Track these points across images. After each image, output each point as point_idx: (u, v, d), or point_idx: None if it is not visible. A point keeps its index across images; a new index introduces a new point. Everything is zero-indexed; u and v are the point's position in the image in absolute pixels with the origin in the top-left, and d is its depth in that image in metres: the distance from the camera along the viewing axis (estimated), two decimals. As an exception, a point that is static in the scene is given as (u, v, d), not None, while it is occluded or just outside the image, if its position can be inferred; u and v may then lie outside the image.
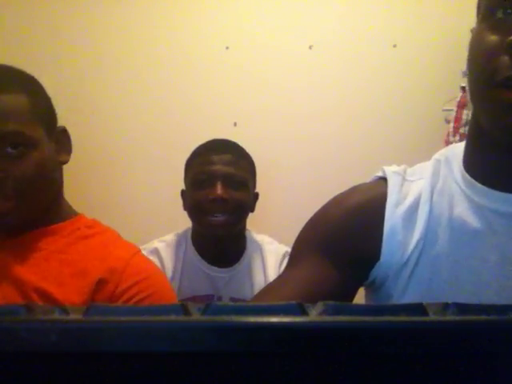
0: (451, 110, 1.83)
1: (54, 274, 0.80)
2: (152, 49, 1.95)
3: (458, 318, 0.23)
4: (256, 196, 1.43)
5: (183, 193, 1.41)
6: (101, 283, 0.80)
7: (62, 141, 0.87)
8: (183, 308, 0.23)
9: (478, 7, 0.59)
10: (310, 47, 1.93)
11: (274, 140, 1.90)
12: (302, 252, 0.66)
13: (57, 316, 0.23)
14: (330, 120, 1.93)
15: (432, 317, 0.23)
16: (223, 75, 1.94)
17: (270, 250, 1.38)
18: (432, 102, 1.87)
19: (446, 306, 0.23)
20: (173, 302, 0.24)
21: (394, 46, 1.91)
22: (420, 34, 1.90)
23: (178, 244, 1.40)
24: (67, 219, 0.88)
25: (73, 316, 0.23)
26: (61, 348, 0.22)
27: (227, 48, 1.94)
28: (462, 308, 0.23)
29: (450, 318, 0.23)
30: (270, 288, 0.67)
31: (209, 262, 1.37)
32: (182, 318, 0.23)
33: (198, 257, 1.38)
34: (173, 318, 0.22)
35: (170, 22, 1.96)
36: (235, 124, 1.92)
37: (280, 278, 0.66)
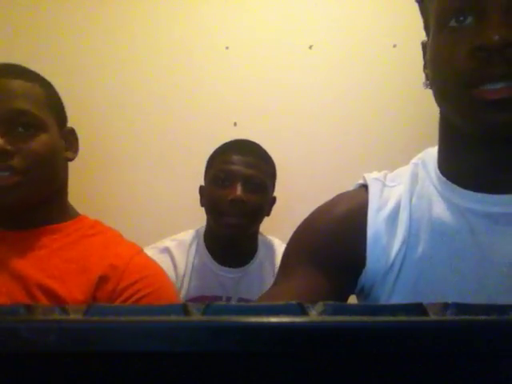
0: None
1: (56, 271, 0.81)
2: (152, 49, 1.95)
3: (457, 317, 0.23)
4: (273, 200, 1.43)
5: (201, 189, 1.41)
6: (102, 280, 0.81)
7: (70, 140, 0.91)
8: (183, 308, 0.23)
9: (426, 21, 0.64)
10: (310, 47, 1.93)
11: (274, 140, 1.89)
12: (292, 263, 0.66)
13: (57, 316, 0.23)
14: (330, 120, 1.93)
15: (432, 317, 0.23)
16: (223, 75, 1.94)
17: (281, 252, 1.37)
18: (432, 102, 1.87)
19: (445, 306, 0.23)
20: (173, 302, 0.24)
21: (394, 46, 1.91)
22: (420, 34, 1.90)
23: (190, 243, 1.39)
24: (70, 220, 0.89)
25: (73, 316, 0.23)
26: (61, 348, 0.22)
27: (227, 48, 1.94)
28: (462, 308, 0.23)
29: (449, 318, 0.23)
30: (262, 301, 0.67)
31: (219, 263, 1.37)
32: (182, 318, 0.23)
33: (209, 257, 1.38)
34: (173, 318, 0.22)
35: (170, 22, 1.96)
36: (235, 124, 1.91)
37: (272, 290, 0.66)
